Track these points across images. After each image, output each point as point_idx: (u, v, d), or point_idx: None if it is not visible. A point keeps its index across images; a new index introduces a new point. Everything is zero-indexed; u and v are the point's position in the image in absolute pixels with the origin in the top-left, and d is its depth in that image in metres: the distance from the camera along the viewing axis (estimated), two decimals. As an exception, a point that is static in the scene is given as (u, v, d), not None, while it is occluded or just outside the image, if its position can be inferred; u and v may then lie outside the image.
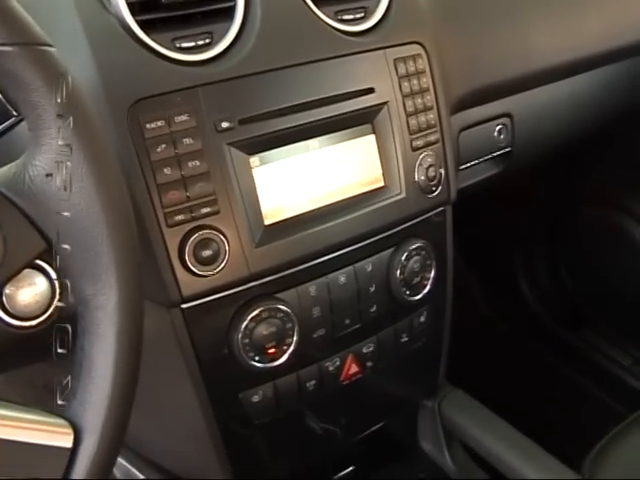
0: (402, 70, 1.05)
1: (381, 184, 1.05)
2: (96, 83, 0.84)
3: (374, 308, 1.09)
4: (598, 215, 1.90)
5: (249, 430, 1.08)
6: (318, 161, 0.99)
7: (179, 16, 0.91)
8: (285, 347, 0.99)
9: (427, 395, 1.33)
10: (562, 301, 2.07)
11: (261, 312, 0.96)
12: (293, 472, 1.21)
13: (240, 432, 1.07)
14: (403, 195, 1.06)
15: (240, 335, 0.95)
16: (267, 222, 0.94)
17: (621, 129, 1.74)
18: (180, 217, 0.87)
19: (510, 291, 2.13)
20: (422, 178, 1.07)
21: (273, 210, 0.95)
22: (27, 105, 0.60)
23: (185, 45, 0.90)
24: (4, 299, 0.60)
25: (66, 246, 0.61)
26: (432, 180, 1.09)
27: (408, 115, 1.06)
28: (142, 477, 1.23)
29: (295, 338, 0.99)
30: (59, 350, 0.63)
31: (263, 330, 0.96)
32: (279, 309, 0.97)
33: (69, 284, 0.62)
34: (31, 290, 0.61)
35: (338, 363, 1.10)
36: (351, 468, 1.36)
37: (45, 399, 0.63)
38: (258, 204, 0.93)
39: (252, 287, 0.96)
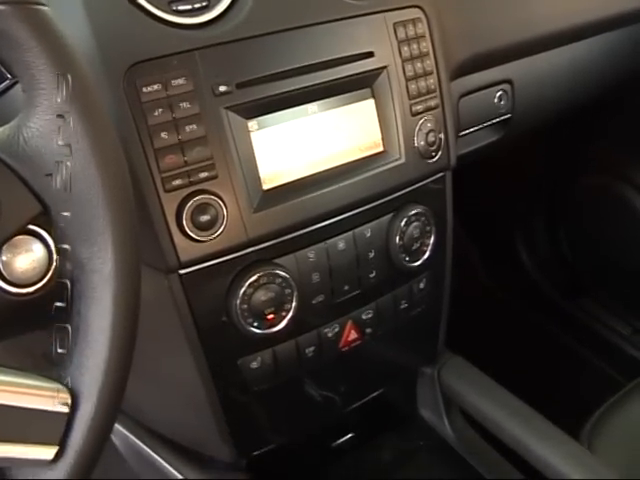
0: (402, 34, 1.04)
1: (380, 149, 1.04)
2: (91, 46, 0.83)
3: (373, 274, 1.09)
4: (599, 184, 1.89)
5: (248, 397, 1.08)
6: (317, 125, 0.98)
7: (176, -23, 0.90)
8: (284, 313, 0.98)
9: (426, 362, 1.33)
10: (562, 270, 2.08)
11: (259, 278, 0.95)
12: (292, 439, 1.21)
13: (239, 399, 1.07)
14: (402, 160, 1.05)
15: (238, 301, 0.95)
16: (265, 187, 0.94)
17: (623, 97, 1.74)
18: (178, 182, 0.87)
19: (510, 260, 2.13)
20: (422, 143, 1.07)
21: (271, 175, 0.94)
22: (21, 65, 0.59)
23: (182, 8, 0.89)
24: (1, 266, 0.59)
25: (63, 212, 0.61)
26: (432, 145, 1.08)
27: (408, 80, 1.05)
28: (141, 445, 1.23)
29: (294, 304, 0.99)
30: (57, 317, 0.62)
31: (262, 296, 0.96)
32: (278, 275, 0.96)
33: (68, 249, 0.61)
34: (28, 257, 0.60)
35: (337, 329, 1.10)
36: (350, 435, 1.36)
37: (44, 368, 0.62)
38: (256, 169, 0.93)
39: (250, 253, 0.96)
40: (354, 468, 1.30)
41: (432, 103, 1.09)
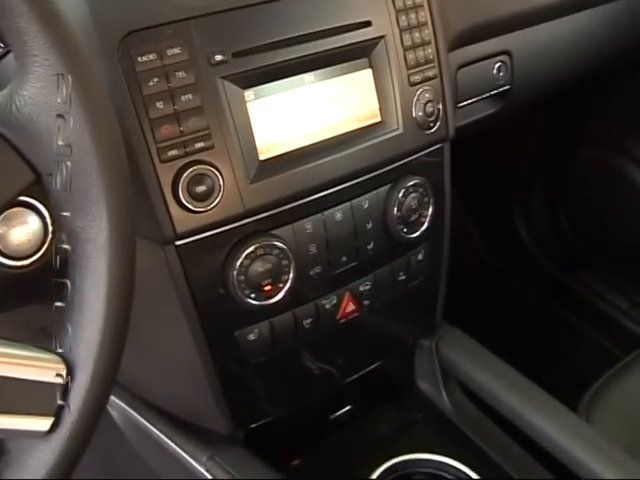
0: (400, 3, 1.03)
1: (378, 119, 1.03)
2: (85, 14, 0.82)
3: (371, 245, 1.08)
4: (598, 158, 1.89)
5: (245, 369, 1.08)
6: (314, 95, 0.97)
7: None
8: (281, 284, 0.98)
9: (424, 334, 1.33)
10: (560, 244, 2.08)
11: (256, 249, 0.95)
12: (289, 412, 1.21)
13: (236, 371, 1.07)
14: (400, 131, 1.05)
15: (235, 272, 0.94)
16: (262, 157, 0.93)
17: (622, 69, 1.73)
18: (173, 152, 0.86)
19: (508, 234, 2.13)
20: (420, 114, 1.06)
21: (268, 145, 0.94)
22: (12, 32, 0.58)
23: None
24: (-4, 239, 0.59)
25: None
26: (430, 116, 1.08)
27: (405, 49, 1.04)
28: (139, 418, 1.23)
29: (291, 275, 0.98)
30: (53, 289, 0.62)
31: (258, 267, 0.95)
32: (275, 246, 0.96)
33: (63, 217, 0.60)
34: (23, 229, 0.60)
35: (335, 301, 1.09)
36: (348, 408, 1.36)
37: (40, 340, 0.62)
38: (253, 139, 0.92)
39: (247, 224, 0.95)
40: (352, 440, 1.30)
41: (430, 73, 1.08)
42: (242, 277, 0.95)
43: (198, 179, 0.87)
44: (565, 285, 2.02)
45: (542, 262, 2.08)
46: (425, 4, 1.07)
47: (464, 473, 1.17)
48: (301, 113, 0.96)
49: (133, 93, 0.84)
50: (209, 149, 0.88)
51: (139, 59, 0.84)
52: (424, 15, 1.07)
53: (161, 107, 0.85)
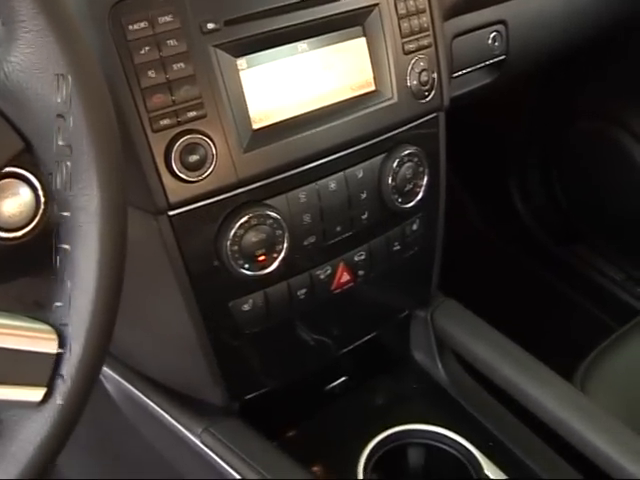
0: None
1: (372, 88, 1.03)
2: (74, -19, 0.81)
3: (365, 215, 1.08)
4: (594, 130, 1.88)
5: (240, 340, 1.07)
6: (307, 64, 0.97)
7: None
8: (275, 254, 0.98)
9: (419, 305, 1.33)
10: (555, 216, 2.08)
11: (250, 219, 0.94)
12: (285, 383, 1.21)
13: (231, 342, 1.07)
14: (395, 100, 1.04)
15: (229, 242, 0.94)
16: (255, 126, 0.93)
17: (618, 39, 1.72)
18: (166, 121, 0.86)
19: (504, 206, 2.13)
20: (414, 83, 1.06)
21: (261, 114, 0.93)
22: None
23: None
24: (-13, 211, 0.58)
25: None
26: (425, 85, 1.07)
27: (400, 18, 1.03)
28: (133, 390, 1.23)
29: (285, 245, 0.98)
30: (46, 260, 0.61)
31: (252, 237, 0.95)
32: (268, 215, 0.96)
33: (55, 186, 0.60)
34: (15, 200, 0.59)
35: (329, 271, 1.09)
36: (343, 379, 1.36)
37: (32, 311, 0.62)
38: (246, 108, 0.92)
39: (240, 193, 0.95)
40: (347, 411, 1.30)
41: (425, 42, 1.07)
42: (236, 247, 0.95)
43: (191, 148, 0.87)
44: (560, 256, 2.03)
45: (537, 233, 2.08)
46: (420, -29, 1.06)
47: (459, 444, 1.17)
48: (294, 82, 0.96)
49: (124, 62, 0.83)
50: (201, 118, 0.88)
51: (130, 27, 0.83)
52: (419, -18, 1.06)
53: (153, 76, 0.84)
